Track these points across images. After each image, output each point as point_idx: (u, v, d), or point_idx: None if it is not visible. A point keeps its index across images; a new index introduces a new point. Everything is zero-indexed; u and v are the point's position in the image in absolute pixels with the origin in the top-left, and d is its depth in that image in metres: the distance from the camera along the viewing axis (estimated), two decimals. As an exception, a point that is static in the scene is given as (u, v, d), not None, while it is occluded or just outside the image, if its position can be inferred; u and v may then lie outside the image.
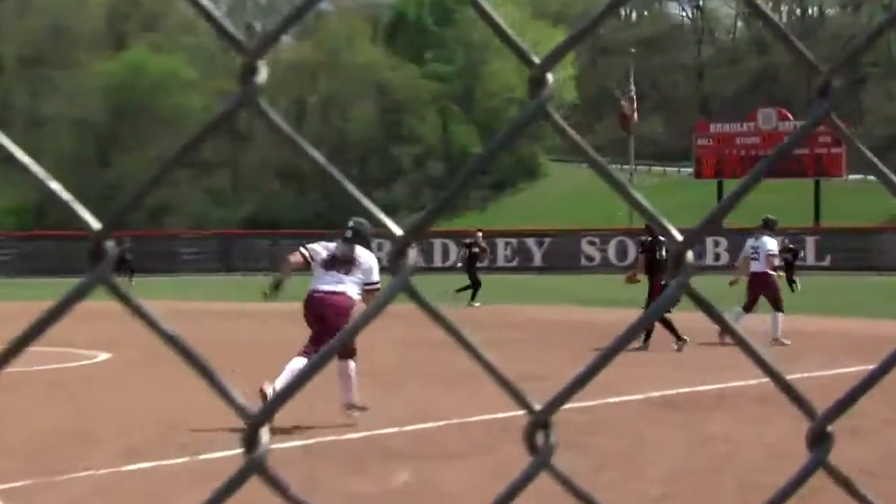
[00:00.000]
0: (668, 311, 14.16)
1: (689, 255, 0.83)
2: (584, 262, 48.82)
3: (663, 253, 16.51)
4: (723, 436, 9.22)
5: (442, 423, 9.89)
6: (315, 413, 10.22)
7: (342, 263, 10.11)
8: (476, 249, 28.61)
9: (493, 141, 0.77)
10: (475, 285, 27.43)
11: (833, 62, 0.83)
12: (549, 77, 0.80)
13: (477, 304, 26.53)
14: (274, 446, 0.74)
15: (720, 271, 44.09)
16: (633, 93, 61.31)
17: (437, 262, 49.56)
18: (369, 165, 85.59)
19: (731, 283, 17.52)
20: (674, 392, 11.77)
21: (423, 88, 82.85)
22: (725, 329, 0.87)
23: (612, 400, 11.15)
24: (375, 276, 10.12)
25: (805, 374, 12.62)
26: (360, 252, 10.15)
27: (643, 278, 16.94)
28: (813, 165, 52.77)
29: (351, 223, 10.26)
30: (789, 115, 54.74)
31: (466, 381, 12.28)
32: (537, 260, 49.31)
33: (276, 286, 11.02)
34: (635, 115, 60.62)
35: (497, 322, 21.31)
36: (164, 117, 79.63)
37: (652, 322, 0.82)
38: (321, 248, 10.35)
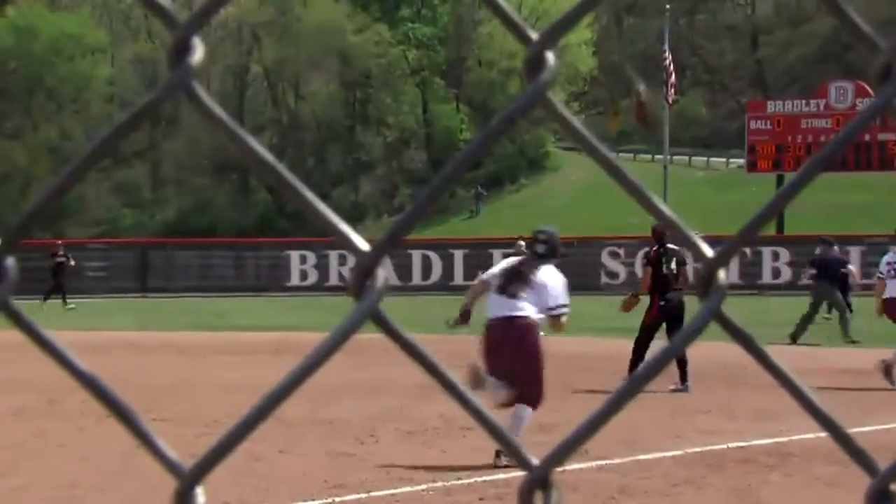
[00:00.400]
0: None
1: (722, 274, 0.87)
2: (605, 279, 48.92)
3: (672, 266, 16.73)
4: None
5: (422, 486, 9.92)
6: (256, 476, 10.23)
7: (517, 284, 11.02)
8: None
9: (480, 135, 0.80)
10: None
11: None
12: (550, 57, 0.84)
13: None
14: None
15: (780, 291, 44.35)
16: (668, 62, 61.55)
17: (417, 280, 49.66)
18: (329, 155, 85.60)
19: (879, 312, 17.80)
20: (721, 447, 11.83)
21: (398, 57, 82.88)
22: (766, 365, 0.91)
23: (643, 457, 11.20)
24: (554, 300, 11.08)
25: (892, 425, 12.69)
26: (541, 271, 11.12)
27: (645, 298, 17.19)
28: (903, 153, 52.92)
29: (542, 235, 11.34)
30: (870, 90, 55.00)
31: (453, 433, 12.32)
32: (545, 277, 49.36)
33: (464, 317, 11.63)
34: (672, 92, 60.77)
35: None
36: (62, 91, 79.69)
37: (676, 356, 0.84)
38: (497, 271, 11.31)
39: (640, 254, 45.52)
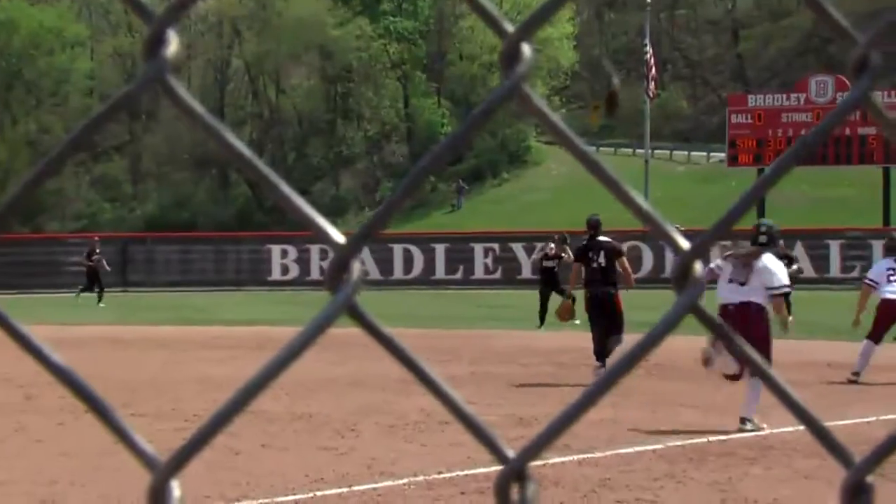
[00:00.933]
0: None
1: (699, 266, 0.87)
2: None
3: (601, 259, 16.77)
4: (765, 498, 9.30)
5: (403, 480, 9.92)
6: (237, 472, 10.22)
7: (744, 272, 12.62)
8: (550, 260, 27.90)
9: (458, 128, 0.81)
10: (543, 306, 27.01)
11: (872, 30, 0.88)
12: (526, 49, 0.84)
13: (541, 331, 26.26)
14: (187, 505, 0.78)
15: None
16: (649, 55, 61.66)
17: (399, 274, 49.66)
18: (310, 149, 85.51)
19: (855, 324, 17.57)
20: (703, 441, 11.86)
21: (379, 51, 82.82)
22: (746, 359, 0.91)
23: (625, 451, 11.23)
24: (778, 280, 12.59)
25: (871, 418, 12.75)
26: (764, 258, 12.67)
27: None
28: (882, 149, 53.04)
29: (763, 227, 13.05)
30: (850, 84, 55.14)
31: (434, 427, 12.33)
32: (526, 271, 49.37)
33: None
34: (654, 86, 60.87)
35: (478, 351, 21.38)
36: (42, 85, 79.37)
37: (652, 348, 0.85)
38: (727, 263, 12.88)
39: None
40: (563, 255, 27.21)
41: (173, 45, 0.80)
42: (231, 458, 10.73)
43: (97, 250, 40.81)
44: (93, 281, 40.28)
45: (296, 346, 0.79)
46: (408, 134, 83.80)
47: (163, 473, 0.77)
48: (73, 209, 77.97)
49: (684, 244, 0.88)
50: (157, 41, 0.80)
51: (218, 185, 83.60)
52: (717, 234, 0.88)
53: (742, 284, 12.58)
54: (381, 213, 0.80)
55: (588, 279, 17.02)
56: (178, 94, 0.79)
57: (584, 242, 17.31)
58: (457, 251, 50.29)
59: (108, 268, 41.27)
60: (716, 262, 13.09)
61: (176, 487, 0.78)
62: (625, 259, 17.42)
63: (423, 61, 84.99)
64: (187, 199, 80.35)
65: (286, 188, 0.81)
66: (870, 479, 0.91)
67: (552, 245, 27.90)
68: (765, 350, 12.19)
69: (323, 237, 0.80)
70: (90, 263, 40.35)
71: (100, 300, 38.98)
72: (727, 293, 12.67)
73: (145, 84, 0.79)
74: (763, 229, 13.12)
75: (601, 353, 16.79)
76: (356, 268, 0.81)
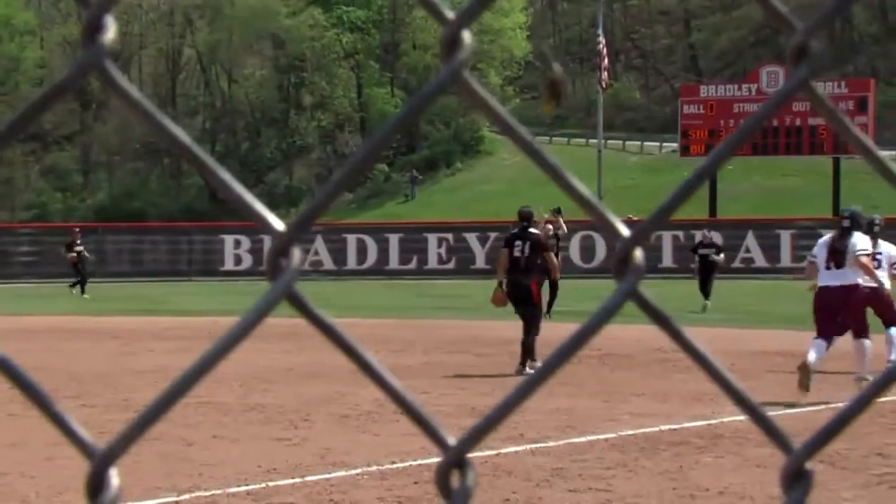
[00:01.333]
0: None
1: (638, 254, 0.88)
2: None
3: (526, 249, 16.97)
4: (716, 487, 9.35)
5: (357, 471, 9.92)
6: (188, 463, 10.20)
7: (833, 256, 14.05)
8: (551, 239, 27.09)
9: (397, 115, 0.80)
10: (553, 292, 26.47)
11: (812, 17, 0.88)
12: (466, 36, 0.84)
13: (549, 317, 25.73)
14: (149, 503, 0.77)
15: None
16: (602, 46, 61.84)
17: (353, 264, 49.57)
18: (263, 139, 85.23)
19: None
20: (654, 430, 11.92)
21: (332, 40, 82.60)
22: (683, 345, 0.92)
23: (578, 440, 11.27)
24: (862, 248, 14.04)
25: (821, 406, 12.86)
26: (854, 239, 14.00)
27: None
28: (832, 139, 53.42)
29: (846, 213, 14.45)
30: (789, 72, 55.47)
31: (388, 417, 12.33)
32: (480, 261, 49.44)
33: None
34: (606, 76, 61.05)
35: (432, 342, 21.38)
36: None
37: (591, 336, 0.85)
38: (821, 250, 14.35)
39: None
40: (559, 230, 27.33)
41: (111, 31, 0.80)
42: (184, 449, 10.70)
43: (77, 241, 40.40)
44: (78, 271, 39.90)
45: (235, 335, 0.78)
46: (361, 124, 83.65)
47: (100, 461, 0.77)
48: (24, 199, 77.37)
49: (624, 232, 0.88)
50: (95, 27, 0.80)
51: (170, 175, 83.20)
52: (656, 222, 0.88)
53: (838, 268, 14.03)
54: (320, 201, 0.80)
55: (510, 267, 17.21)
56: (115, 80, 0.79)
57: (514, 231, 17.49)
58: (411, 241, 50.25)
59: (89, 255, 40.91)
60: (810, 255, 14.81)
61: (114, 476, 0.78)
62: (550, 254, 18.22)
63: (377, 51, 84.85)
64: (139, 189, 79.89)
65: (225, 175, 0.80)
66: (809, 465, 0.91)
67: (549, 226, 27.39)
68: (859, 317, 14.20)
69: (262, 224, 0.80)
70: (73, 255, 39.92)
71: (83, 291, 38.59)
72: (826, 278, 14.15)
73: (82, 69, 0.79)
74: (846, 214, 14.57)
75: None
76: (295, 255, 0.80)
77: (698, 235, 30.73)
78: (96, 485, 0.77)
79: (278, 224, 0.80)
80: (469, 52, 0.83)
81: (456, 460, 0.83)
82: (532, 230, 17.39)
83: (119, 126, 79.95)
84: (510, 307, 17.89)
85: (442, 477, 0.83)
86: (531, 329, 16.90)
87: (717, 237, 37.65)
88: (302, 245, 0.82)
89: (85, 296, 37.73)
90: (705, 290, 29.12)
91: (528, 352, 16.77)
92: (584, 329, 0.85)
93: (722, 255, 30.59)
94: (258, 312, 0.78)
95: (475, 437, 0.85)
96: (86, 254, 40.38)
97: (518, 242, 17.19)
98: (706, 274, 29.52)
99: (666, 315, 0.90)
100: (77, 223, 58.42)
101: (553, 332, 20.59)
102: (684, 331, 0.90)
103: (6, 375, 0.77)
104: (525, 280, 17.16)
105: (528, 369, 16.66)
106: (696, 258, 29.86)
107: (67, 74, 0.80)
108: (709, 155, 0.90)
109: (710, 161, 0.89)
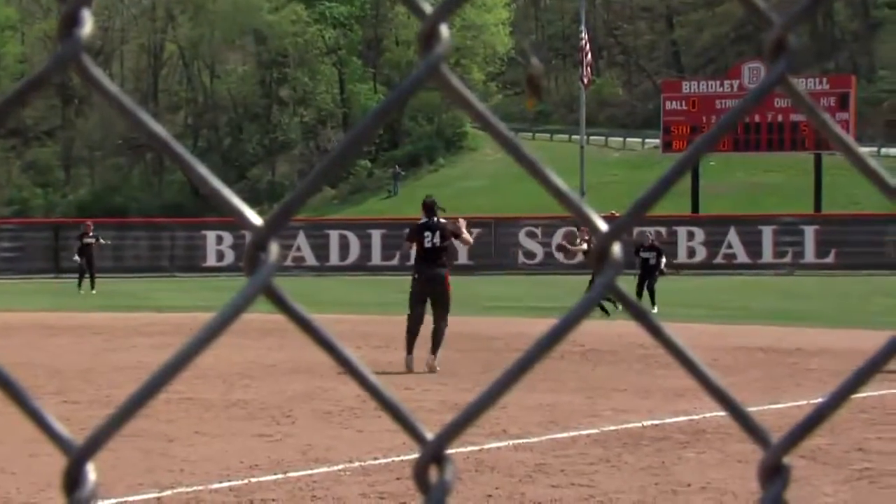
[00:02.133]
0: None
1: (616, 248, 0.88)
2: (522, 259, 49.10)
3: (436, 239, 17.02)
4: (698, 483, 9.37)
5: (339, 466, 9.92)
6: (170, 459, 10.19)
7: None
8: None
9: (375, 109, 0.80)
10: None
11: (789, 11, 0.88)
12: (444, 30, 0.84)
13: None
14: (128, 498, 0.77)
15: (694, 270, 44.81)
16: (584, 41, 61.85)
17: (335, 260, 49.49)
18: (246, 135, 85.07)
19: None
20: (636, 425, 11.94)
21: (315, 36, 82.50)
22: (662, 340, 0.92)
23: (559, 436, 11.28)
24: None
25: (802, 402, 12.89)
26: None
27: None
28: (813, 135, 53.50)
29: None
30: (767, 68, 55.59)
31: (370, 413, 12.33)
32: (462, 257, 49.42)
33: None
34: (589, 72, 61.08)
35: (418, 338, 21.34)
36: (-29, 70, 78.39)
37: (569, 330, 0.84)
38: None
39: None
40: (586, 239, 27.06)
41: (88, 25, 0.79)
42: (165, 445, 10.68)
43: (89, 234, 40.13)
44: (87, 266, 39.51)
45: (212, 329, 0.78)
46: (344, 120, 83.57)
47: (77, 457, 0.76)
48: (4, 195, 77.11)
49: (602, 226, 0.88)
50: (72, 21, 0.79)
51: (152, 170, 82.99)
52: (634, 217, 0.88)
53: None
54: (298, 195, 0.80)
55: (421, 258, 17.27)
56: (92, 74, 0.79)
57: (421, 222, 17.54)
58: (393, 237, 50.11)
59: (103, 242, 40.67)
60: None
61: (91, 471, 0.77)
62: (463, 234, 17.84)
63: (359, 47, 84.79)
64: (121, 184, 79.69)
65: (203, 170, 0.80)
66: (787, 459, 0.91)
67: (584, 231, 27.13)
68: None
69: (239, 219, 0.80)
70: (85, 244, 39.59)
71: (92, 287, 38.26)
72: None
73: (59, 63, 0.78)
74: None
75: (414, 335, 16.92)
76: (273, 249, 0.80)
77: (642, 237, 29.13)
78: (73, 480, 0.77)
79: (256, 219, 0.80)
80: (447, 46, 0.83)
81: (434, 455, 0.83)
82: (442, 220, 17.44)
83: (101, 122, 79.75)
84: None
85: (420, 472, 0.83)
86: (439, 327, 17.01)
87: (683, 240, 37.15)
88: (282, 240, 0.82)
89: (92, 291, 37.46)
90: (642, 293, 27.31)
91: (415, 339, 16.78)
92: (563, 322, 0.85)
93: (664, 261, 29.03)
94: (235, 307, 0.78)
95: (453, 431, 0.85)
96: (102, 241, 40.15)
97: (427, 233, 17.21)
98: (644, 277, 27.82)
99: (644, 310, 0.90)
100: (58, 219, 58.21)
101: (532, 327, 20.60)
102: (663, 326, 0.90)
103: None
104: (440, 271, 17.23)
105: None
106: (638, 260, 28.13)
107: (44, 68, 0.80)
108: (686, 149, 0.91)
109: (688, 155, 0.89)
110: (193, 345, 0.76)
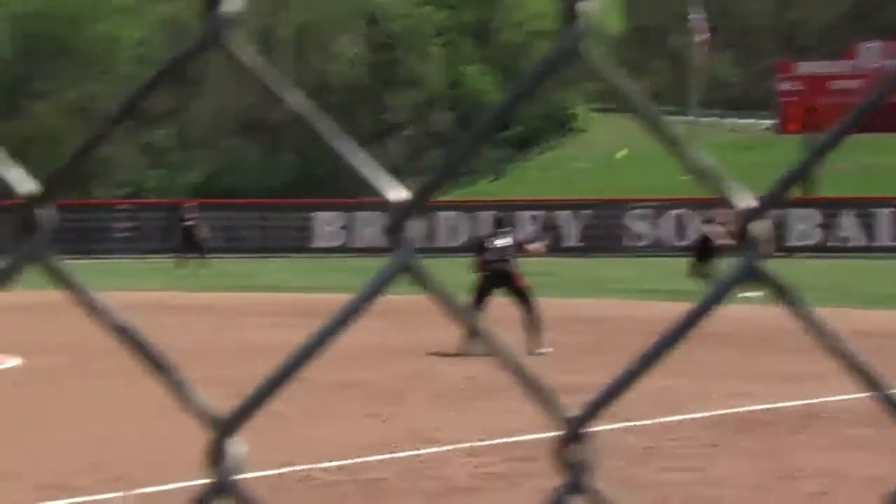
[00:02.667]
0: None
1: (765, 224, 0.86)
2: (629, 241, 48.74)
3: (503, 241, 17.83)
4: (811, 468, 9.26)
5: (447, 447, 9.95)
6: (283, 438, 10.30)
7: None
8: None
9: (512, 90, 0.80)
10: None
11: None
12: (586, 6, 0.83)
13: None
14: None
15: (809, 253, 44.19)
16: (699, 22, 61.23)
17: (443, 242, 49.51)
18: (356, 117, 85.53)
19: None
20: (748, 409, 11.82)
21: (425, 18, 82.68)
22: (807, 322, 0.90)
23: (670, 419, 11.21)
24: None
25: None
26: None
27: None
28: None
29: None
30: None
31: (480, 395, 12.36)
32: (572, 239, 49.30)
33: None
34: (703, 52, 60.44)
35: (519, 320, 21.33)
36: (88, 54, 79.74)
37: (706, 314, 0.83)
38: None
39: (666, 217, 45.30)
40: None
41: (233, 1, 0.80)
42: (278, 424, 10.79)
43: (186, 216, 41.11)
44: (190, 246, 40.44)
45: (353, 307, 0.78)
46: (453, 101, 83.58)
47: (220, 431, 0.77)
48: (121, 176, 78.30)
49: (742, 204, 0.87)
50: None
51: (266, 151, 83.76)
52: (776, 196, 0.87)
53: None
54: (441, 173, 0.79)
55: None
56: (236, 53, 0.79)
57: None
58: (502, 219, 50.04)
59: (192, 223, 41.56)
60: None
61: (236, 444, 0.78)
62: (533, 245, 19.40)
63: (470, 28, 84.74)
64: (234, 165, 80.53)
65: (348, 144, 0.80)
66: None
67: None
68: None
69: (381, 196, 0.80)
70: (187, 224, 40.56)
71: (201, 266, 38.98)
72: None
73: (203, 43, 0.79)
74: None
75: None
76: (413, 227, 0.80)
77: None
78: (216, 453, 0.77)
79: (397, 195, 0.80)
80: (588, 22, 0.82)
81: (575, 433, 0.83)
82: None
83: (215, 103, 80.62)
84: None
85: (561, 450, 0.83)
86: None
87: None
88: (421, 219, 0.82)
89: (201, 271, 38.09)
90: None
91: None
92: (700, 307, 0.84)
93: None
94: (376, 285, 0.78)
95: (593, 410, 0.84)
96: (201, 228, 41.02)
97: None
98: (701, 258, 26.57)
99: (787, 288, 0.88)
100: (172, 199, 58.89)
101: (661, 312, 20.54)
102: (811, 308, 0.89)
103: (132, 345, 0.78)
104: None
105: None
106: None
107: (188, 48, 0.80)
108: (827, 134, 0.89)
109: (830, 139, 0.87)
110: (333, 324, 0.76)
